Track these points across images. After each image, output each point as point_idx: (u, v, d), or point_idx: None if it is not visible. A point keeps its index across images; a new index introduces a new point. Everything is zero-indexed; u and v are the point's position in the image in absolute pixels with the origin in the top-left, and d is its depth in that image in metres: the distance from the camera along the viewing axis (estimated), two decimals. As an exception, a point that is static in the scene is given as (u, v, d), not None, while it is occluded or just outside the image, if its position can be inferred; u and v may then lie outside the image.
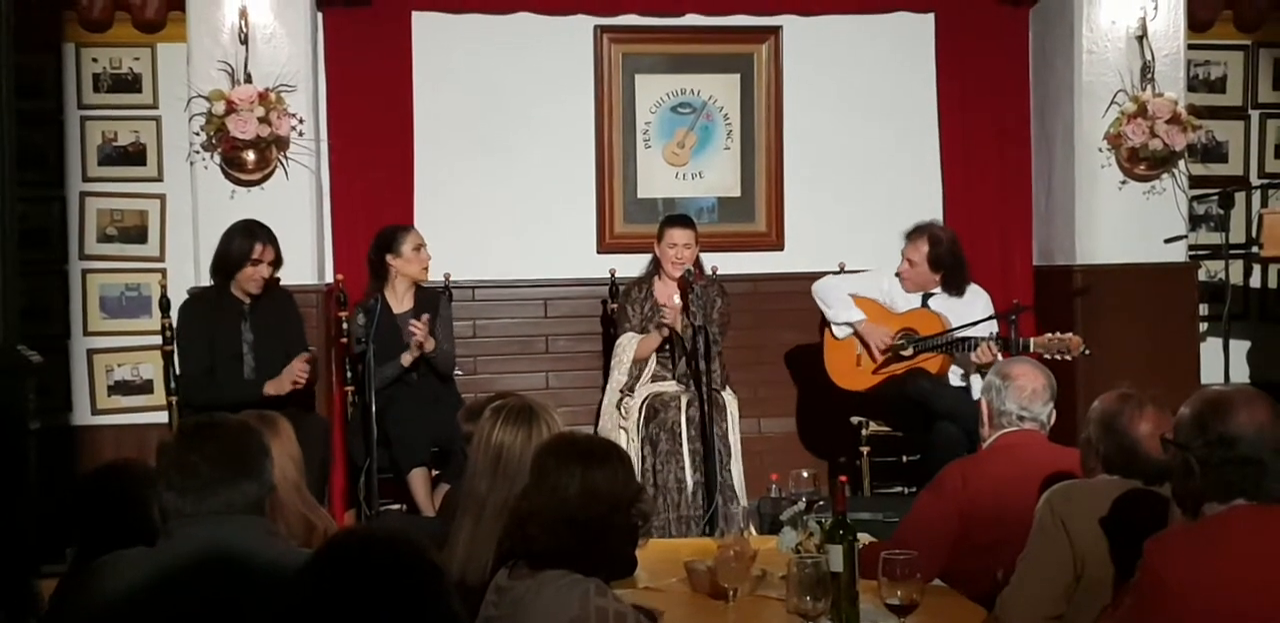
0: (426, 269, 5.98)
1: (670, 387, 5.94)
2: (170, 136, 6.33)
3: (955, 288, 5.97)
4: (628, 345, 6.03)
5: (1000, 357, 5.51)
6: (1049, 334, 5.65)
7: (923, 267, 5.94)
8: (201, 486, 2.58)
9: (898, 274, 6.03)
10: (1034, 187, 6.86)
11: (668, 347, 5.99)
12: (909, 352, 5.87)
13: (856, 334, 6.00)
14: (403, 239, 5.93)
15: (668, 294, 5.97)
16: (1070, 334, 5.63)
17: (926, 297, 6.00)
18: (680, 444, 5.75)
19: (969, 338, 5.71)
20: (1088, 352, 5.61)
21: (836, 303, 6.03)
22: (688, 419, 5.74)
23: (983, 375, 5.56)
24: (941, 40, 6.90)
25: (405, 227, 6.04)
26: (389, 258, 5.91)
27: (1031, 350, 5.55)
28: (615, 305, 6.34)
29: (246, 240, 5.50)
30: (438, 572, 1.88)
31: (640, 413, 5.84)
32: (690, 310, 5.80)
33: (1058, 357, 5.55)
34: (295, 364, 5.43)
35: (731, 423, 5.89)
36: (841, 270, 6.53)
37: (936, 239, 5.94)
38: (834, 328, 6.03)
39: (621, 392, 6.00)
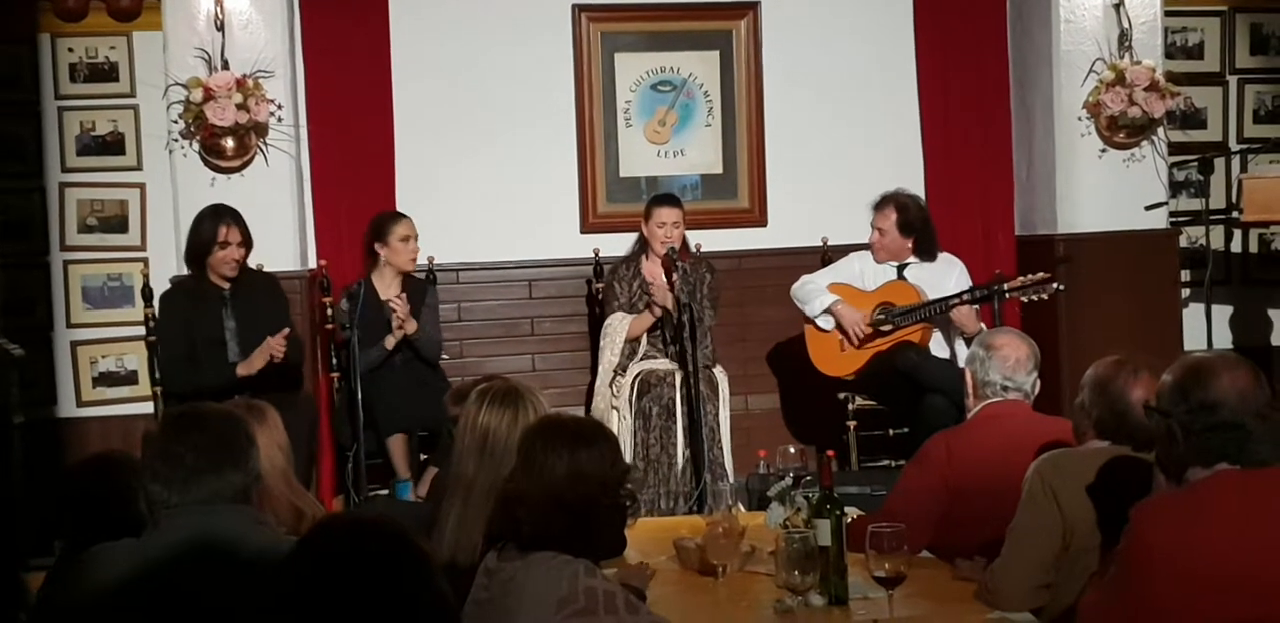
0: (414, 261, 5.97)
1: (663, 364, 5.94)
2: (148, 125, 6.29)
3: (928, 253, 5.99)
4: (619, 326, 6.02)
5: (978, 311, 5.60)
6: (1021, 278, 5.68)
7: (893, 234, 5.95)
8: (186, 476, 2.58)
9: (869, 247, 6.04)
10: (1014, 157, 6.85)
11: (659, 326, 5.99)
12: (889, 327, 5.87)
13: (834, 317, 6.00)
14: (391, 229, 5.91)
15: (655, 274, 5.97)
16: (1041, 274, 5.65)
17: (901, 268, 6.00)
18: (675, 420, 5.76)
19: (943, 299, 5.73)
20: (1062, 288, 5.65)
21: (810, 297, 6.01)
22: (682, 396, 5.75)
23: (965, 339, 5.63)
24: (919, 12, 6.88)
25: (398, 215, 6.01)
26: (377, 246, 5.91)
27: (1009, 298, 5.60)
28: (601, 285, 6.33)
29: (211, 225, 5.47)
30: (424, 555, 1.88)
31: (632, 389, 5.85)
32: (674, 286, 5.78)
33: (1034, 298, 5.60)
34: (269, 340, 5.34)
35: (723, 400, 5.90)
36: (824, 245, 6.57)
37: (903, 206, 5.96)
38: (818, 321, 6.03)
39: (615, 371, 6.00)
